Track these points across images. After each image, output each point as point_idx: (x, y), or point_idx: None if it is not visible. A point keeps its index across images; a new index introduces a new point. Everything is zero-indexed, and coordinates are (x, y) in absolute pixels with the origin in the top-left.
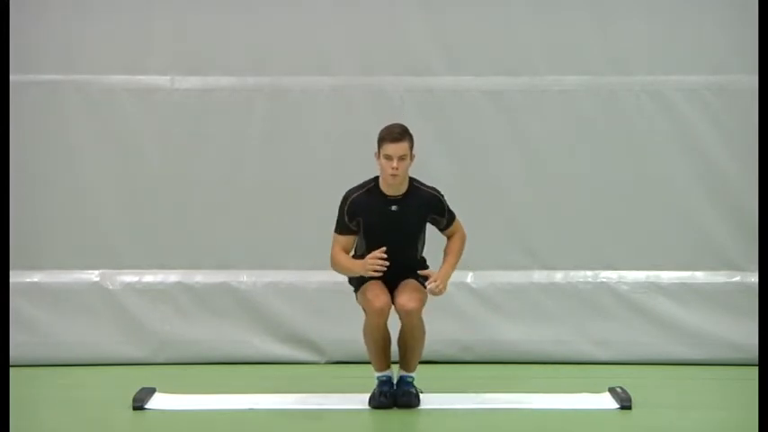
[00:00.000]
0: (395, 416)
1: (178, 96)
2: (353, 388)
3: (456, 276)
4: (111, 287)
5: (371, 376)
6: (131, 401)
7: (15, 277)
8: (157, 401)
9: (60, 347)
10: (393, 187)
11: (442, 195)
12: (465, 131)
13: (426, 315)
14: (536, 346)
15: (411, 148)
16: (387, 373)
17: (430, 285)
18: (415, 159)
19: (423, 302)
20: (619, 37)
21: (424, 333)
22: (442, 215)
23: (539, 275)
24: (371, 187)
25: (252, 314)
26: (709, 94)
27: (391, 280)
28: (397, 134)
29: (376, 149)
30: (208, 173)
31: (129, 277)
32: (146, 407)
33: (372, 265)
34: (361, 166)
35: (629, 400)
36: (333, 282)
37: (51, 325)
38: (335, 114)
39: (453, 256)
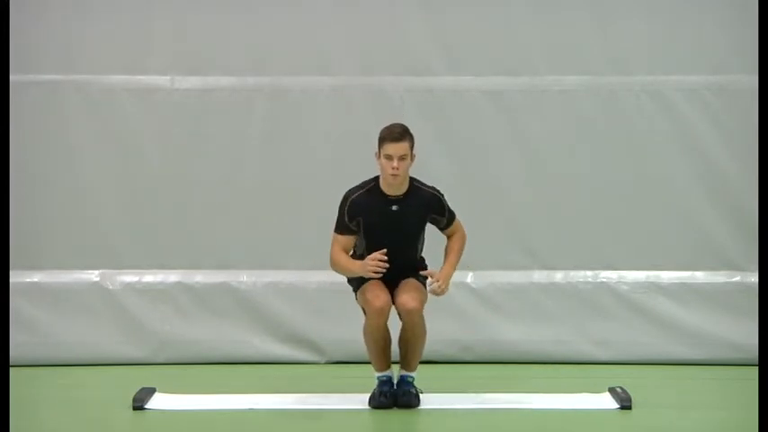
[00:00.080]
0: (395, 416)
1: (178, 96)
2: (353, 388)
3: (456, 276)
4: (111, 287)
5: (371, 376)
6: (131, 401)
7: (15, 277)
8: (157, 401)
9: (60, 347)
10: (393, 187)
11: (442, 195)
12: (465, 131)
13: (426, 315)
14: (536, 346)
15: (411, 147)
16: (387, 373)
17: (432, 286)
18: (416, 159)
19: (423, 301)
20: (619, 37)
21: (425, 332)
22: (443, 215)
23: (539, 275)
24: (372, 187)
25: (252, 314)
26: (709, 94)
27: (391, 280)
28: (397, 134)
29: (376, 149)
30: (208, 173)
31: (129, 277)
32: (146, 407)
33: (372, 266)
34: (361, 166)
35: (629, 400)
36: (333, 282)
37: (51, 325)
38: (335, 114)
39: (454, 256)
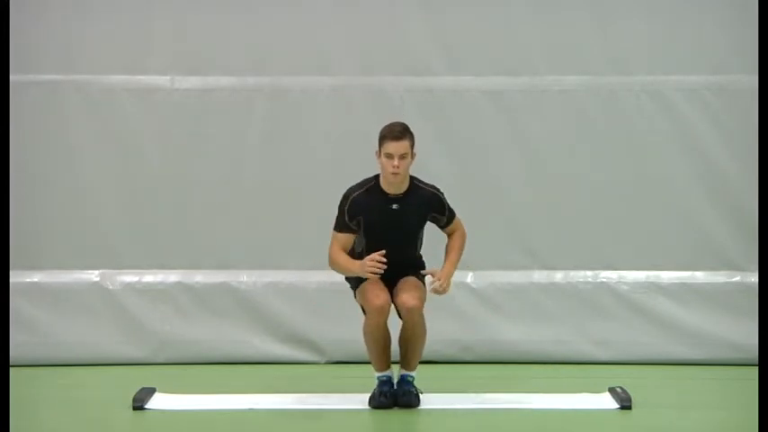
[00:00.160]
0: (395, 416)
1: (178, 96)
2: (353, 388)
3: (456, 276)
4: (111, 287)
5: (371, 376)
6: (131, 401)
7: (15, 277)
8: (157, 401)
9: (60, 347)
10: (394, 186)
11: (443, 194)
12: (465, 131)
13: (427, 315)
14: (536, 346)
15: (412, 146)
16: (387, 373)
17: (434, 285)
18: (416, 159)
19: (423, 299)
20: (619, 37)
21: (425, 331)
22: (443, 213)
23: (539, 275)
24: (372, 186)
25: (252, 314)
26: (709, 94)
27: (390, 278)
28: (397, 132)
29: (377, 148)
30: (208, 173)
31: (129, 277)
32: (146, 407)
33: (371, 267)
34: (361, 166)
35: (629, 400)
36: (333, 282)
37: (51, 325)
38: (335, 114)
39: (455, 254)
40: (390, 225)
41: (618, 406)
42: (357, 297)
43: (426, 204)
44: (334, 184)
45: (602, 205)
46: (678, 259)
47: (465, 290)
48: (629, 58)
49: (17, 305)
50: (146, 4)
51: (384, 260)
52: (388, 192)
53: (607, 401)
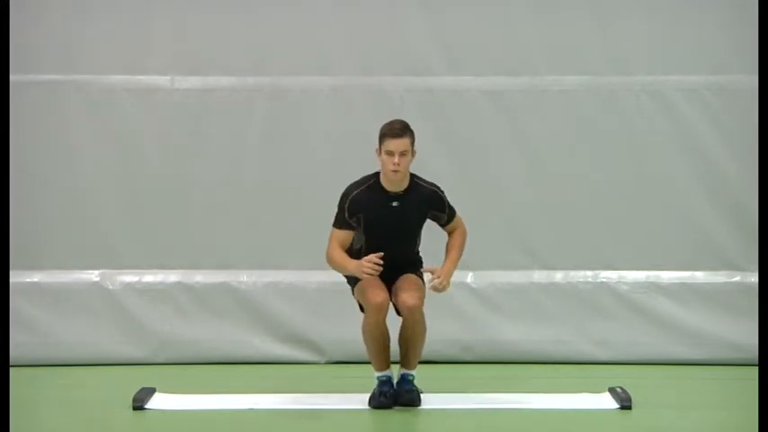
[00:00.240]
0: (395, 416)
1: (178, 96)
2: (353, 388)
3: (456, 276)
4: (111, 287)
5: (371, 376)
6: (131, 401)
7: (15, 277)
8: (157, 401)
9: (60, 347)
10: (394, 183)
11: (443, 191)
12: (465, 131)
13: (426, 315)
14: (536, 346)
15: (412, 143)
16: (387, 372)
17: (433, 282)
18: (416, 158)
19: (423, 298)
20: (619, 37)
21: (425, 329)
22: (443, 211)
23: (539, 275)
24: (372, 183)
25: (252, 314)
26: (709, 94)
27: (389, 276)
28: (398, 130)
29: (377, 146)
30: (208, 173)
31: (129, 277)
32: (146, 407)
33: (368, 268)
34: (361, 166)
35: (629, 400)
36: (333, 282)
37: (51, 325)
38: (335, 114)
39: (455, 252)
40: (390, 222)
41: (618, 406)
42: (355, 293)
43: (426, 202)
44: (334, 184)
45: (602, 205)
46: (678, 259)
47: (465, 290)
48: (629, 58)
49: (17, 305)
50: (146, 4)
51: (381, 262)
52: (389, 189)
53: (607, 401)
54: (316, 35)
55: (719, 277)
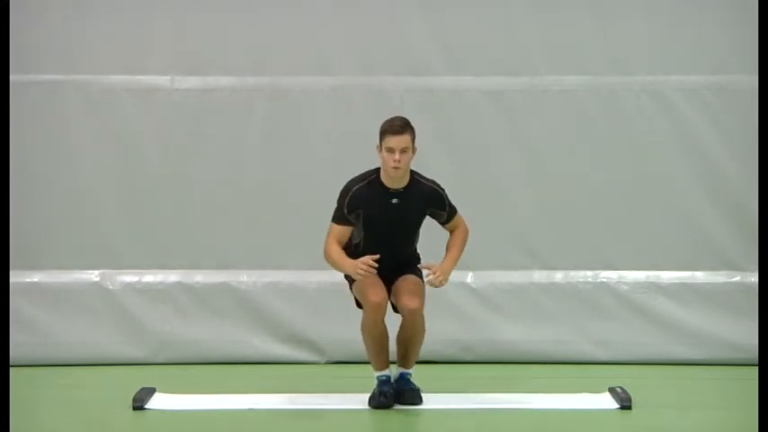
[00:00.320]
0: (395, 416)
1: (178, 96)
2: (353, 388)
3: (456, 276)
4: (111, 287)
5: (371, 376)
6: (131, 401)
7: (15, 277)
8: (157, 401)
9: (60, 347)
10: (395, 180)
11: (443, 189)
12: (465, 131)
13: (426, 315)
14: (536, 346)
15: (413, 140)
16: (386, 372)
17: (429, 277)
18: (416, 154)
19: (424, 299)
20: (619, 37)
21: (424, 330)
22: (443, 209)
23: (539, 275)
24: (373, 179)
25: (252, 314)
26: (709, 94)
27: (388, 273)
28: (398, 127)
29: (378, 143)
30: (208, 173)
31: (129, 277)
32: (146, 407)
33: (363, 271)
34: (361, 166)
35: (629, 400)
36: (333, 282)
37: (51, 325)
38: (335, 114)
39: (456, 250)
40: (390, 219)
41: (618, 406)
42: (353, 290)
43: (426, 199)
44: (334, 184)
45: (602, 205)
46: (678, 259)
47: (465, 290)
48: (629, 58)
49: (17, 305)
50: (146, 4)
51: (376, 265)
52: (389, 186)
53: (607, 401)
54: (316, 35)
55: (719, 277)
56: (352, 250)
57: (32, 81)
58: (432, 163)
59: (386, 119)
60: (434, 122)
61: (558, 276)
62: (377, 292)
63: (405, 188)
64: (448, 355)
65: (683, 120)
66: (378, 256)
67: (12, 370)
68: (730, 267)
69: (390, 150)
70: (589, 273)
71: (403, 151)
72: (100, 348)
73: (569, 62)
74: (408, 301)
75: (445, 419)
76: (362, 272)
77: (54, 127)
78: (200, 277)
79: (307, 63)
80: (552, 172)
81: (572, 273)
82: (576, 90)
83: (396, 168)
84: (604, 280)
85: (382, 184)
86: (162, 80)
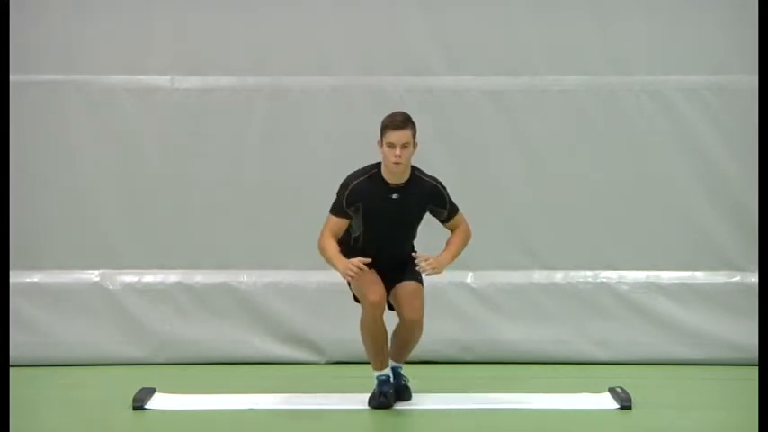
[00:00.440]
0: (395, 416)
1: (178, 96)
2: (353, 388)
3: (456, 276)
4: (111, 287)
5: (371, 376)
6: (131, 401)
7: (15, 277)
8: (157, 401)
9: (60, 347)
10: (396, 175)
11: (444, 187)
12: (465, 131)
13: (426, 315)
14: (536, 346)
15: (414, 136)
16: (386, 372)
17: (421, 264)
18: (418, 149)
19: (424, 307)
20: (619, 37)
21: (422, 333)
22: (443, 207)
23: (539, 275)
24: (373, 174)
25: (252, 314)
26: (709, 94)
27: (387, 270)
28: (399, 122)
29: (378, 138)
30: (208, 173)
31: (129, 277)
32: (146, 407)
33: (353, 273)
34: (361, 165)
35: (629, 400)
36: (333, 282)
37: (51, 325)
38: (335, 114)
39: (455, 247)
40: (389, 214)
41: (618, 406)
42: (352, 286)
43: (426, 196)
44: (334, 184)
45: (602, 205)
46: (678, 259)
47: (465, 290)
48: (629, 58)
49: (17, 305)
50: (146, 4)
51: (367, 269)
52: (390, 181)
53: (607, 401)
54: (316, 35)
55: (719, 277)
56: (352, 244)
57: (32, 81)
58: (432, 163)
59: (387, 114)
60: (434, 122)
61: (558, 276)
62: (375, 290)
63: (405, 183)
64: (448, 355)
65: (683, 120)
66: (369, 260)
67: (12, 370)
68: (730, 267)
69: (391, 145)
70: (589, 273)
71: (404, 146)
72: (100, 348)
73: (569, 62)
74: (409, 313)
75: (445, 419)
76: (353, 273)
77: (54, 127)
78: (200, 277)
79: (307, 63)
80: (552, 172)
81: (572, 273)
82: (576, 90)
83: (396, 164)
84: (604, 280)
85: (383, 178)
86: (162, 80)
